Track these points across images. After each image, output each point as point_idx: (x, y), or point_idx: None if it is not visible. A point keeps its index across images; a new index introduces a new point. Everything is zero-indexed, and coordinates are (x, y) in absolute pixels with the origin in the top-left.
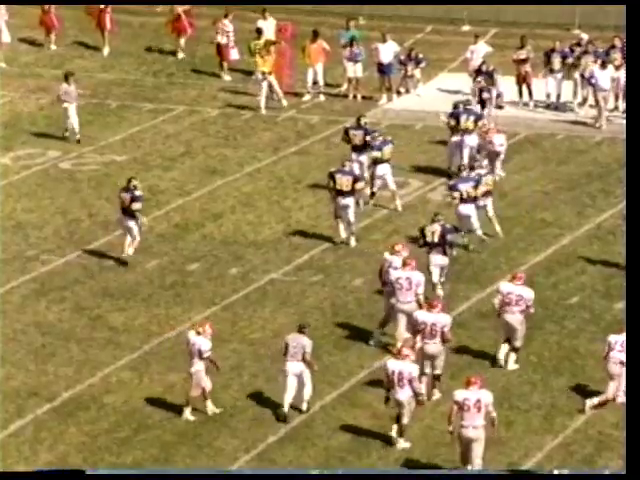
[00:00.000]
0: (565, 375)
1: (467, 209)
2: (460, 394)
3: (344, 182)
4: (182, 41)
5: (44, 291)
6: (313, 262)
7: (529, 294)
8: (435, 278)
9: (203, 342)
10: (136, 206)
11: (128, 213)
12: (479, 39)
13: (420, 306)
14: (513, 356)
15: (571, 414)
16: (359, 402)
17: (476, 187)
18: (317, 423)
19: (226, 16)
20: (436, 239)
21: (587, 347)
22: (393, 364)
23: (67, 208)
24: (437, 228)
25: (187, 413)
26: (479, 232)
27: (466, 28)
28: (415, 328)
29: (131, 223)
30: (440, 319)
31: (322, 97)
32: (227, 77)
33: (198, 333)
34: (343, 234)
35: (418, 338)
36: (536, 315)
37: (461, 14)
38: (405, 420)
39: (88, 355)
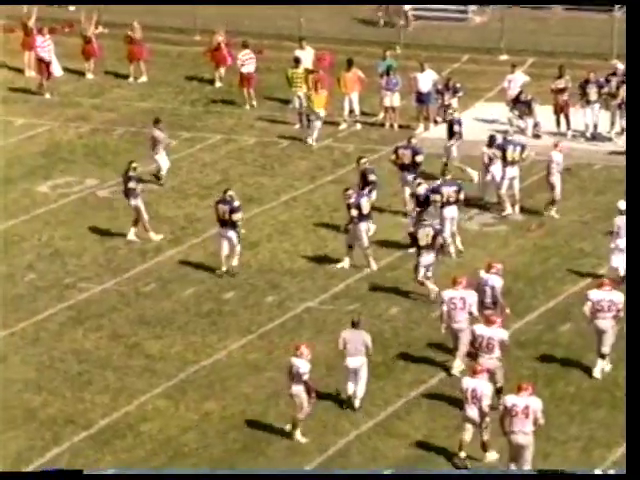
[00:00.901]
0: (604, 407)
1: (451, 211)
2: (510, 400)
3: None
4: (222, 71)
5: (81, 319)
6: (349, 290)
7: (619, 298)
8: (421, 275)
9: (302, 364)
10: (236, 217)
11: (228, 224)
12: (517, 68)
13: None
14: (601, 362)
15: (609, 446)
16: (395, 432)
17: (458, 192)
18: (353, 452)
19: (246, 46)
20: (429, 241)
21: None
22: (468, 382)
23: (104, 236)
24: (430, 231)
25: (298, 435)
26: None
27: (503, 57)
28: (472, 343)
29: (231, 233)
30: (497, 334)
31: (358, 126)
32: (248, 105)
33: (297, 356)
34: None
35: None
36: (575, 345)
37: (498, 44)
38: (485, 436)
39: (124, 383)
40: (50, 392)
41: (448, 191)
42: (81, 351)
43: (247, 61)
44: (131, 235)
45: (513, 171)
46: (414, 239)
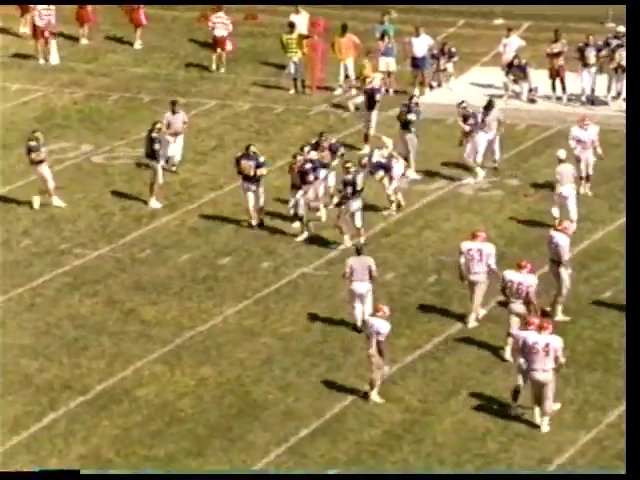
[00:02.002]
0: (598, 370)
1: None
2: (531, 337)
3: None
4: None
5: (77, 284)
6: (344, 256)
7: (533, 280)
8: (358, 223)
9: (382, 324)
10: (262, 171)
11: (253, 179)
12: (512, 32)
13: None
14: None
15: (604, 409)
16: (391, 396)
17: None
18: (349, 417)
19: (219, 9)
20: (360, 185)
21: (620, 341)
22: (512, 275)
23: (100, 202)
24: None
25: (374, 396)
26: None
27: (499, 22)
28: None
29: (255, 187)
30: (527, 279)
31: (354, 91)
32: (222, 69)
33: (376, 316)
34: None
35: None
36: (569, 309)
37: (493, 8)
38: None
39: (120, 348)
40: (46, 357)
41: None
42: (77, 317)
43: (218, 24)
44: (154, 203)
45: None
46: (353, 184)
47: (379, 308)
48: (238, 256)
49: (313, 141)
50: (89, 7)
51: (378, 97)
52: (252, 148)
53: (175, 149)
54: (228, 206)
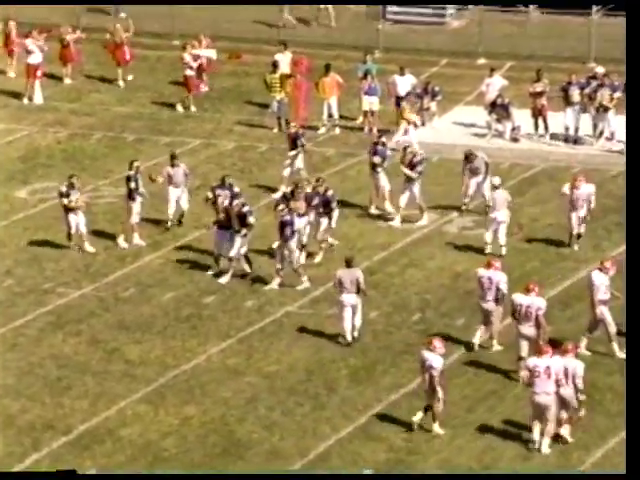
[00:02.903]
0: (582, 408)
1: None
2: (531, 361)
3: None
4: (203, 75)
5: (60, 324)
6: (328, 295)
7: (541, 303)
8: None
9: (435, 359)
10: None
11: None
12: (495, 72)
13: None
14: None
15: (588, 449)
16: (376, 436)
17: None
18: (333, 456)
19: (184, 48)
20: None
21: (604, 380)
22: (521, 299)
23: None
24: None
25: (436, 428)
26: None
27: (481, 61)
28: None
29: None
30: (535, 302)
31: (337, 130)
32: (193, 108)
33: (430, 350)
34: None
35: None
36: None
37: (476, 47)
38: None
39: (104, 388)
40: (29, 398)
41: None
42: (60, 356)
43: (186, 65)
44: (137, 239)
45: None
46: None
47: (432, 343)
48: (222, 295)
49: (288, 189)
50: (72, 47)
51: (302, 141)
52: (228, 179)
53: (182, 203)
54: (212, 245)
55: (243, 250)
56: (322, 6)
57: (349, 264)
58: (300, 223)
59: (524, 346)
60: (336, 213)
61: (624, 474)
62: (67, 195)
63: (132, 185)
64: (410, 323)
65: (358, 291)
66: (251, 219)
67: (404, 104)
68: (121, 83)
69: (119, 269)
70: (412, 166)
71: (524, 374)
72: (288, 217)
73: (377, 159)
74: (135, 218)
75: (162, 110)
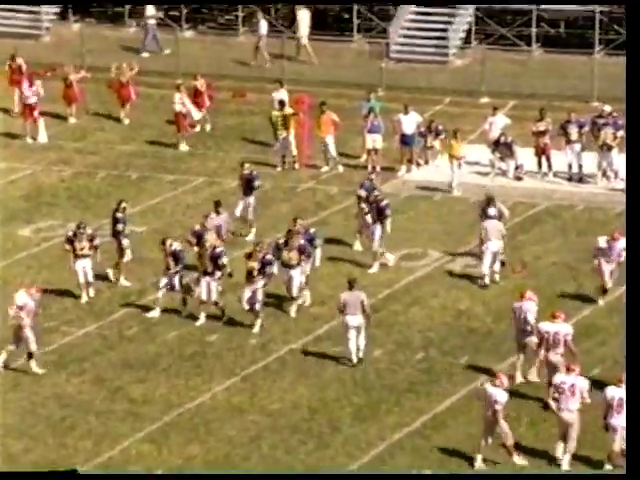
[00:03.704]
0: (585, 447)
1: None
2: (558, 378)
3: None
4: (203, 113)
5: (64, 363)
6: (332, 332)
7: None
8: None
9: (500, 394)
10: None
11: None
12: (497, 111)
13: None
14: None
15: None
16: (379, 474)
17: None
18: None
19: (178, 88)
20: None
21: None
22: (548, 326)
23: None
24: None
25: (516, 458)
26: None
27: (484, 100)
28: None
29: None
30: (563, 328)
31: (341, 168)
32: (186, 148)
33: (495, 385)
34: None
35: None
36: None
37: (479, 86)
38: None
39: (107, 427)
40: (32, 438)
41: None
42: (63, 396)
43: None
44: (123, 281)
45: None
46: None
47: (499, 378)
48: (226, 332)
49: (281, 241)
50: (76, 87)
51: (256, 184)
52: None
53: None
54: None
55: (214, 296)
56: (302, 43)
57: (352, 286)
58: (295, 273)
59: (550, 373)
60: (388, 222)
61: (624, 474)
62: (73, 241)
63: (119, 227)
64: (414, 362)
65: (362, 312)
66: (224, 260)
67: (452, 141)
68: (126, 121)
69: (123, 307)
70: (379, 210)
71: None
72: (269, 256)
73: (362, 192)
74: (128, 256)
75: (166, 148)
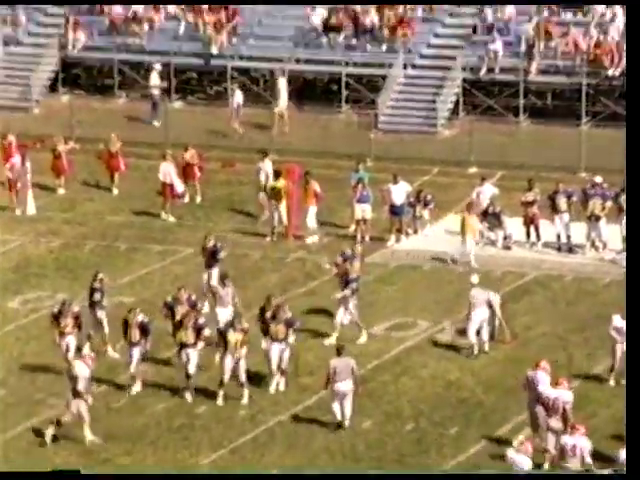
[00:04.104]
0: None
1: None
2: (564, 438)
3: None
4: (194, 185)
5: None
6: (321, 403)
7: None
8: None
9: (524, 460)
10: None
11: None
12: (485, 181)
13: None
14: None
15: None
16: None
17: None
18: None
19: (164, 157)
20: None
21: None
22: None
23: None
24: None
25: None
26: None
27: (473, 170)
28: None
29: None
30: (563, 395)
31: (314, 238)
32: (171, 218)
33: (518, 451)
34: None
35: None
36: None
37: (468, 156)
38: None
39: None
40: None
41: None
42: (51, 467)
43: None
44: (111, 352)
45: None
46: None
47: (523, 444)
48: (214, 405)
49: (268, 315)
50: (64, 158)
51: (220, 255)
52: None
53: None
54: (205, 354)
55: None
56: (276, 111)
57: (340, 352)
58: (275, 349)
59: (551, 439)
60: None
61: (624, 474)
62: (58, 318)
63: (97, 297)
64: (403, 432)
65: (352, 377)
66: (206, 332)
67: (465, 215)
68: (115, 191)
69: (110, 379)
70: (346, 283)
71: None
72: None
73: (339, 259)
74: (105, 327)
75: (154, 219)
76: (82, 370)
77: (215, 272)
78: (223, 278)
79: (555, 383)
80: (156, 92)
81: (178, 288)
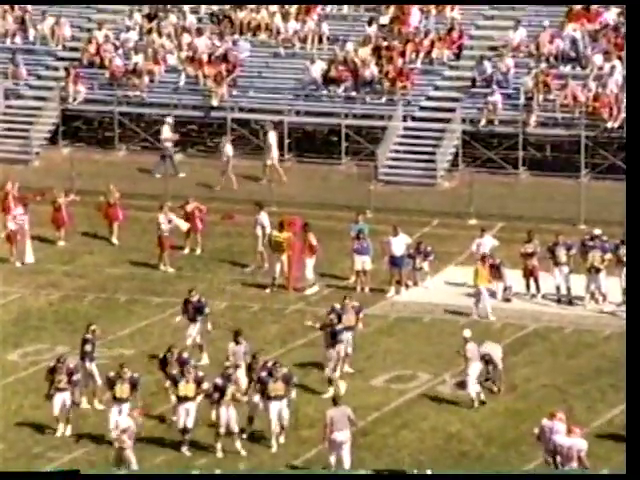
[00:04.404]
0: None
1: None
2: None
3: None
4: (197, 236)
5: None
6: (320, 457)
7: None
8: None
9: (580, 442)
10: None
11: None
12: (485, 232)
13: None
14: None
15: None
16: None
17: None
18: None
19: (161, 209)
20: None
21: None
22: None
23: (74, 404)
24: None
25: None
26: None
27: (472, 222)
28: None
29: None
30: (577, 443)
31: (313, 289)
32: (170, 269)
33: (573, 434)
34: None
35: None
36: None
37: (467, 208)
38: None
39: None
40: None
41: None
42: None
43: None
44: (97, 405)
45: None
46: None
47: (574, 431)
48: (214, 457)
49: (264, 374)
50: (64, 211)
51: (206, 310)
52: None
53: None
54: (204, 403)
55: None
56: (269, 162)
57: (336, 402)
58: (274, 408)
59: None
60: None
61: (624, 474)
62: (54, 373)
63: (88, 348)
64: None
65: (350, 426)
66: (205, 385)
67: (478, 266)
68: (115, 241)
69: (109, 432)
70: (332, 334)
71: None
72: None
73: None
74: (97, 380)
75: (154, 270)
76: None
77: (199, 326)
78: (237, 335)
79: (569, 431)
80: (168, 145)
81: (168, 348)
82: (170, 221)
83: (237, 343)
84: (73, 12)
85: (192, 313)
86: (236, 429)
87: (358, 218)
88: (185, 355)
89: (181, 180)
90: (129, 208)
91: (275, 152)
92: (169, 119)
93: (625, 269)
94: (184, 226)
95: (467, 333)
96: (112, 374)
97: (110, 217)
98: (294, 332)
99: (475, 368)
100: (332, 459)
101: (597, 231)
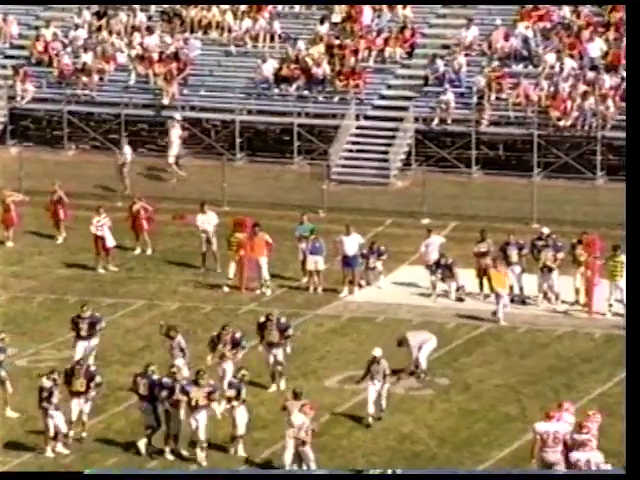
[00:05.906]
0: None
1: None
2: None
3: None
4: (145, 236)
5: None
6: (274, 458)
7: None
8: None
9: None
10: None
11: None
12: (432, 233)
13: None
14: None
15: None
16: None
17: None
18: None
19: (97, 211)
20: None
21: None
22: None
23: (23, 407)
24: None
25: None
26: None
27: (426, 221)
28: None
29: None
30: (562, 427)
31: (268, 291)
32: (114, 268)
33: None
34: None
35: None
36: None
37: (420, 207)
38: None
39: None
40: None
41: None
42: None
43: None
44: (9, 412)
45: None
46: None
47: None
48: (168, 463)
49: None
50: (13, 211)
51: (102, 325)
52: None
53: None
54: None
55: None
56: (170, 160)
57: (297, 396)
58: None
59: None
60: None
61: (624, 474)
62: None
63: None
64: None
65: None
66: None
67: (491, 271)
68: (60, 239)
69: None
70: (282, 332)
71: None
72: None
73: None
74: (8, 388)
75: (104, 272)
76: None
77: (96, 342)
78: (170, 329)
79: (547, 417)
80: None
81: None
82: (101, 227)
83: (171, 339)
84: (20, 9)
85: (88, 329)
86: (202, 437)
87: (303, 218)
88: (237, 335)
89: (131, 179)
90: (78, 208)
91: (175, 150)
92: (177, 115)
93: (582, 269)
94: (111, 242)
95: (377, 352)
96: (68, 367)
97: (56, 216)
98: (247, 333)
99: (425, 350)
100: (287, 459)
101: (546, 230)
